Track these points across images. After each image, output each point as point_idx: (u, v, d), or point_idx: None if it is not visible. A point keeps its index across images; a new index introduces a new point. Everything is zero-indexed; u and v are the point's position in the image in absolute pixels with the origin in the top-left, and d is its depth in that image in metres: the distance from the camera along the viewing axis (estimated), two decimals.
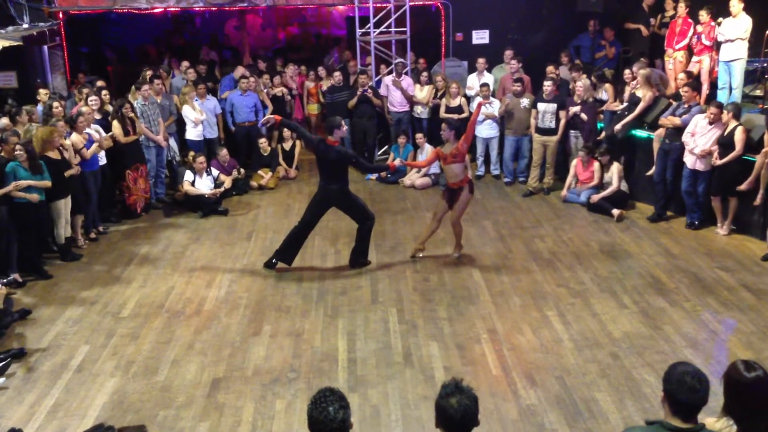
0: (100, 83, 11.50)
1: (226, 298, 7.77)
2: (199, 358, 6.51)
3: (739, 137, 8.60)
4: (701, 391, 3.09)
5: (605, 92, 10.89)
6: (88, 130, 9.32)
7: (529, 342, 6.63)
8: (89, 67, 13.88)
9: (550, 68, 11.43)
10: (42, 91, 10.56)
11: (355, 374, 6.18)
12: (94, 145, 9.32)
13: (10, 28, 11.64)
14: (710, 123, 8.88)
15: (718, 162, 8.78)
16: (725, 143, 8.71)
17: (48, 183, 8.26)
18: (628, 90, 10.45)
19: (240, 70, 12.52)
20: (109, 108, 10.38)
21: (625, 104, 10.37)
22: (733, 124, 8.70)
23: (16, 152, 7.97)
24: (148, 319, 7.32)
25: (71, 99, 10.91)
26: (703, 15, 10.28)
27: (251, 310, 7.44)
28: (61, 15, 12.35)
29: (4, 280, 7.08)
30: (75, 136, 9.08)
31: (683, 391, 3.08)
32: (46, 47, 11.97)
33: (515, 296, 7.58)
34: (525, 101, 11.18)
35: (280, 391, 5.96)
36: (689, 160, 9.11)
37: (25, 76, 11.67)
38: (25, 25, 11.85)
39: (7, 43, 10.25)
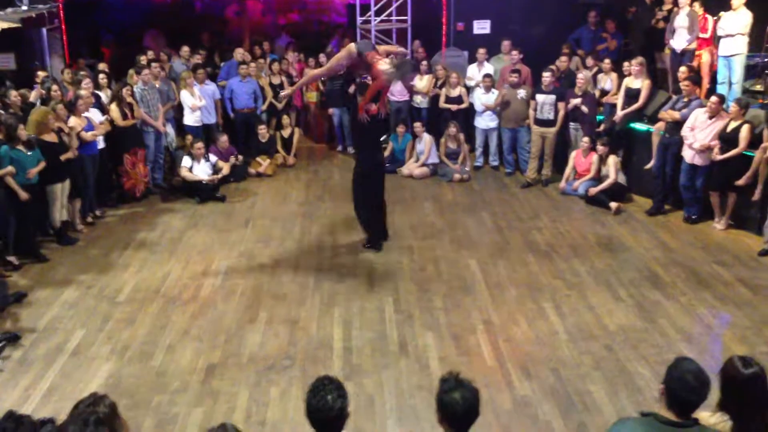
0: (101, 66, 11.44)
1: (223, 284, 7.77)
2: (195, 344, 6.52)
3: (744, 135, 8.56)
4: (701, 391, 3.08)
5: (610, 81, 10.86)
6: (86, 114, 9.30)
7: (524, 333, 6.64)
8: (88, 50, 13.80)
9: (563, 58, 11.43)
10: (40, 73, 10.50)
11: (350, 363, 6.19)
12: (98, 130, 9.32)
13: (9, 9, 11.56)
14: (710, 117, 8.87)
15: (719, 157, 8.76)
16: (728, 139, 8.69)
17: (42, 164, 8.24)
18: (623, 84, 10.40)
19: (240, 52, 12.47)
20: (107, 92, 10.36)
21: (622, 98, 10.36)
22: (739, 120, 8.68)
23: (19, 131, 7.98)
24: (144, 304, 7.32)
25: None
26: (696, 7, 10.27)
27: (247, 297, 7.44)
28: None
29: None
30: (74, 120, 9.05)
31: (683, 389, 3.08)
32: (44, 30, 11.89)
33: (511, 287, 7.59)
34: (522, 92, 11.16)
35: (275, 378, 5.97)
36: (688, 155, 9.10)
37: (24, 58, 11.59)
38: (24, 7, 11.77)
39: (5, 25, 10.19)
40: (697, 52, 10.55)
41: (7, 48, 11.27)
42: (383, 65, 7.74)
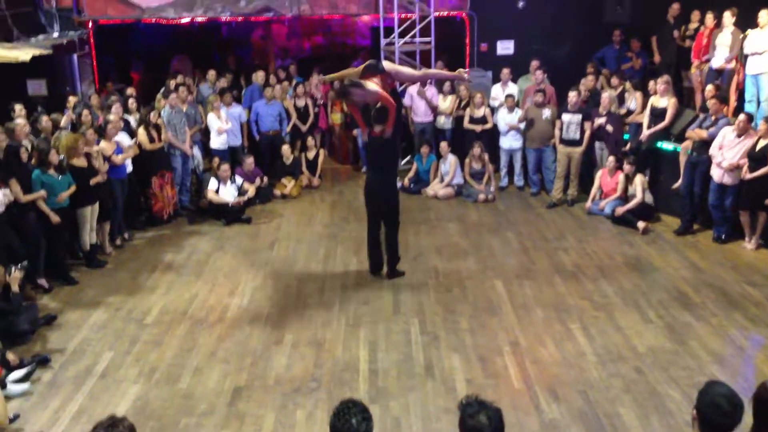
0: (130, 90, 11.66)
1: (249, 306, 7.80)
2: (222, 366, 6.54)
3: None
4: (734, 415, 3.03)
5: (634, 101, 10.81)
6: (116, 138, 9.46)
7: (551, 355, 6.57)
8: (117, 75, 14.06)
9: (588, 77, 11.42)
10: (71, 98, 10.70)
11: (376, 385, 6.16)
12: (127, 153, 9.48)
13: (41, 36, 11.85)
14: (738, 135, 8.77)
15: (748, 176, 8.66)
16: (757, 157, 8.58)
17: (72, 188, 8.39)
18: (649, 103, 10.36)
19: (260, 74, 12.64)
20: (136, 116, 10.52)
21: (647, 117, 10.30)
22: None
23: (50, 156, 8.14)
24: (171, 326, 7.37)
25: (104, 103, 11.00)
26: (710, 20, 10.24)
27: (273, 319, 7.46)
28: (90, 24, 12.53)
29: (19, 266, 7.16)
30: (104, 143, 9.21)
31: (716, 413, 3.03)
32: (75, 56, 12.14)
33: (538, 309, 7.52)
34: (547, 112, 11.14)
35: (301, 401, 5.96)
36: (716, 174, 9.00)
37: (55, 84, 11.83)
38: (56, 34, 12.06)
39: (37, 52, 10.41)
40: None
41: (39, 74, 11.51)
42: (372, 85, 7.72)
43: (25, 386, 6.21)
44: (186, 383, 6.28)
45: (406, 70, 8.49)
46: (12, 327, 6.93)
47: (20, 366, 6.38)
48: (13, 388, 6.14)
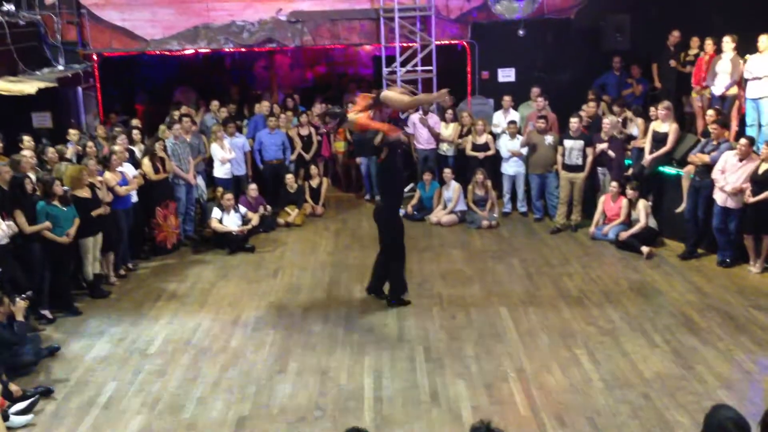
0: (135, 122, 11.75)
1: (253, 335, 7.77)
2: (225, 396, 6.50)
3: None
4: None
5: (636, 128, 10.85)
6: (120, 169, 9.51)
7: (557, 381, 6.52)
8: (121, 106, 14.17)
9: (590, 104, 11.49)
10: (72, 131, 10.76)
11: (381, 413, 6.12)
12: (132, 185, 9.52)
13: (46, 69, 11.99)
14: (740, 159, 8.79)
15: (752, 200, 8.66)
16: (759, 181, 8.59)
17: (77, 222, 8.41)
18: (650, 128, 10.39)
19: (265, 105, 12.74)
20: (140, 147, 10.59)
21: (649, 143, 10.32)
22: None
23: (55, 188, 8.19)
24: (174, 355, 7.34)
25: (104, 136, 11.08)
26: (709, 46, 10.30)
27: (277, 347, 7.43)
28: (95, 57, 12.67)
29: (23, 296, 7.17)
30: (108, 174, 9.26)
31: None
32: (80, 88, 12.25)
33: (543, 334, 7.48)
34: (549, 138, 11.19)
35: (306, 430, 5.91)
36: (720, 198, 9.00)
37: (60, 116, 11.92)
38: (61, 67, 12.21)
39: (43, 85, 10.52)
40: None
41: (44, 107, 11.61)
42: None
43: (28, 418, 6.17)
44: (190, 413, 6.23)
45: (398, 98, 8.33)
46: (16, 358, 6.92)
47: (23, 397, 6.35)
48: (16, 419, 6.10)
